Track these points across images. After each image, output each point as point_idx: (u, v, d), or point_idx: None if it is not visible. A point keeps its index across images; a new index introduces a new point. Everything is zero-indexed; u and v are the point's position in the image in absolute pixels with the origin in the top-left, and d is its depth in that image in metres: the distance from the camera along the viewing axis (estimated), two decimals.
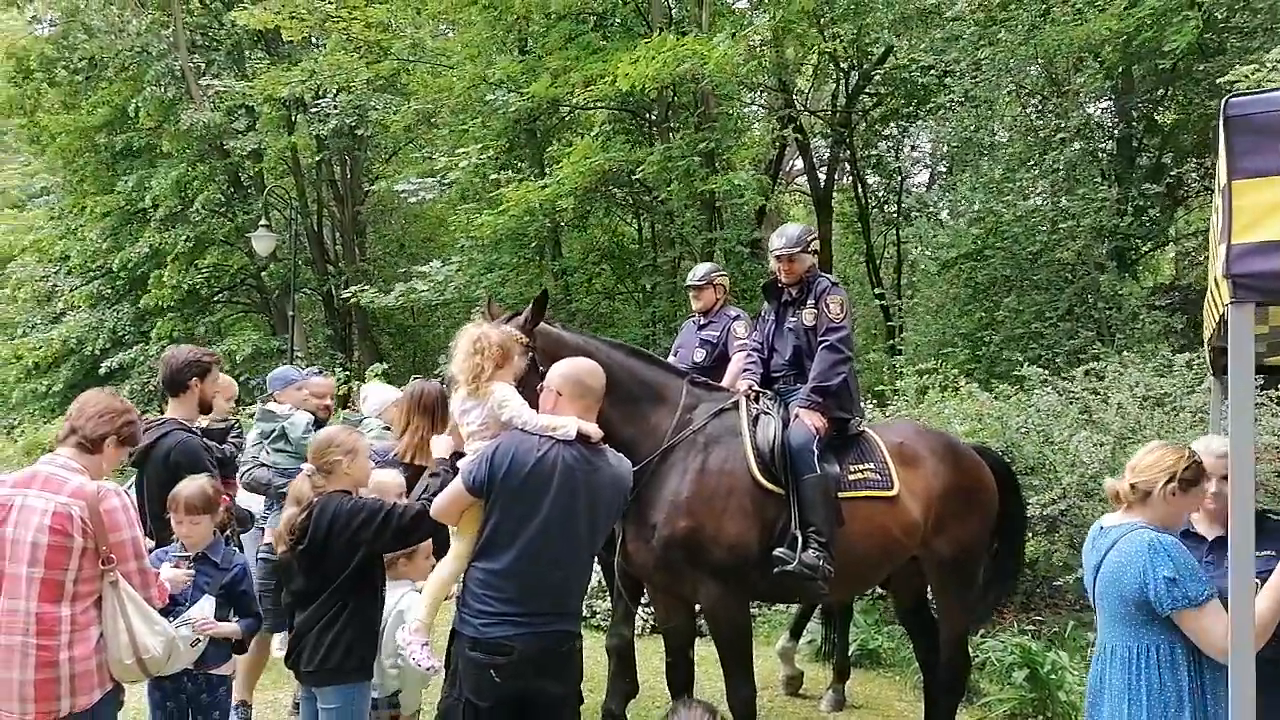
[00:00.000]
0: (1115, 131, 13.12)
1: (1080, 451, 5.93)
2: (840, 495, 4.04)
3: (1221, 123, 2.00)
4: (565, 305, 15.17)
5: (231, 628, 3.30)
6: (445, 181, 13.99)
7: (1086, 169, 12.59)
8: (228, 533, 3.52)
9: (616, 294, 17.32)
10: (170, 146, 18.35)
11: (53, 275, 21.73)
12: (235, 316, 21.94)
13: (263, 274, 20.06)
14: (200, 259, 18.90)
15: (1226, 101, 2.00)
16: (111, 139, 19.24)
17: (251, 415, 6.38)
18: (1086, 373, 7.15)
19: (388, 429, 4.84)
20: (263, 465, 4.85)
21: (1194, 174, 12.45)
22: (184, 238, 18.41)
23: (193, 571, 3.19)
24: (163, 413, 4.12)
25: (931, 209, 15.96)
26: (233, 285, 21.27)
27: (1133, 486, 2.81)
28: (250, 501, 4.98)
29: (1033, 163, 12.82)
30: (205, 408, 4.06)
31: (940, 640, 4.55)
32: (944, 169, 19.50)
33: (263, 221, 17.23)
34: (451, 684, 2.92)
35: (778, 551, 3.85)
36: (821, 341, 4.30)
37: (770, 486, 3.96)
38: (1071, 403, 6.60)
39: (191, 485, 3.31)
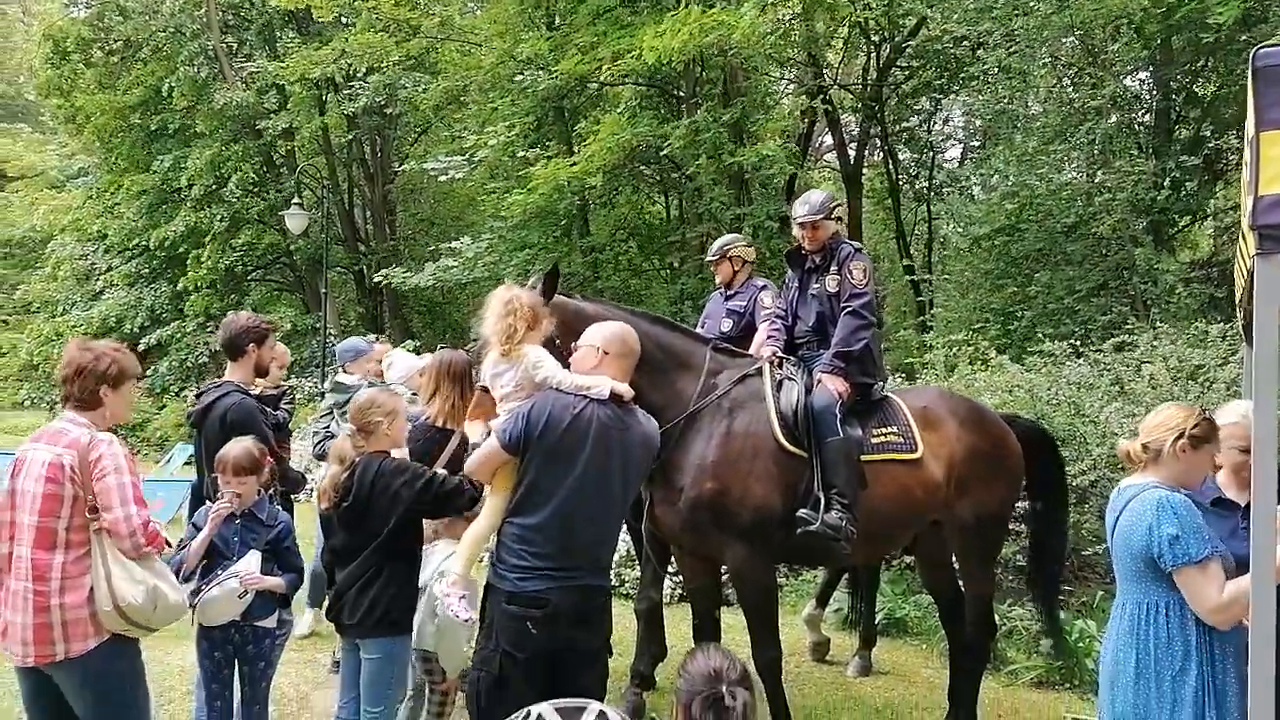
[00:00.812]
0: (1153, 103, 12.85)
1: (1111, 423, 5.91)
2: (863, 458, 4.10)
3: (1250, 74, 2.00)
4: (593, 283, 15.23)
5: (276, 581, 3.42)
6: (474, 160, 14.05)
7: (1123, 142, 12.38)
8: (271, 492, 3.63)
9: (644, 271, 17.35)
10: (204, 126, 18.60)
11: (91, 254, 22.15)
12: (270, 295, 22.28)
13: (294, 253, 20.33)
14: (235, 238, 19.17)
15: (1255, 53, 2.00)
16: (146, 119, 19.52)
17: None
18: (1119, 347, 7.10)
19: (414, 395, 4.94)
20: (333, 436, 4.96)
21: (1234, 146, 12.17)
22: (219, 217, 18.69)
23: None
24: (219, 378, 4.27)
25: (963, 184, 15.77)
26: (267, 264, 21.57)
27: (1144, 447, 2.84)
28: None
29: (1068, 135, 12.63)
30: (261, 372, 4.19)
31: (965, 606, 4.59)
32: (976, 143, 19.28)
33: (295, 200, 17.44)
34: (487, 636, 3.00)
35: (801, 512, 3.92)
36: (844, 307, 4.34)
37: (794, 450, 4.03)
38: (1103, 374, 6.56)
39: (238, 447, 3.43)
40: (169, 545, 3.13)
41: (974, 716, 4.45)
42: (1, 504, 2.91)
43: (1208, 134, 12.05)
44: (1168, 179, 11.31)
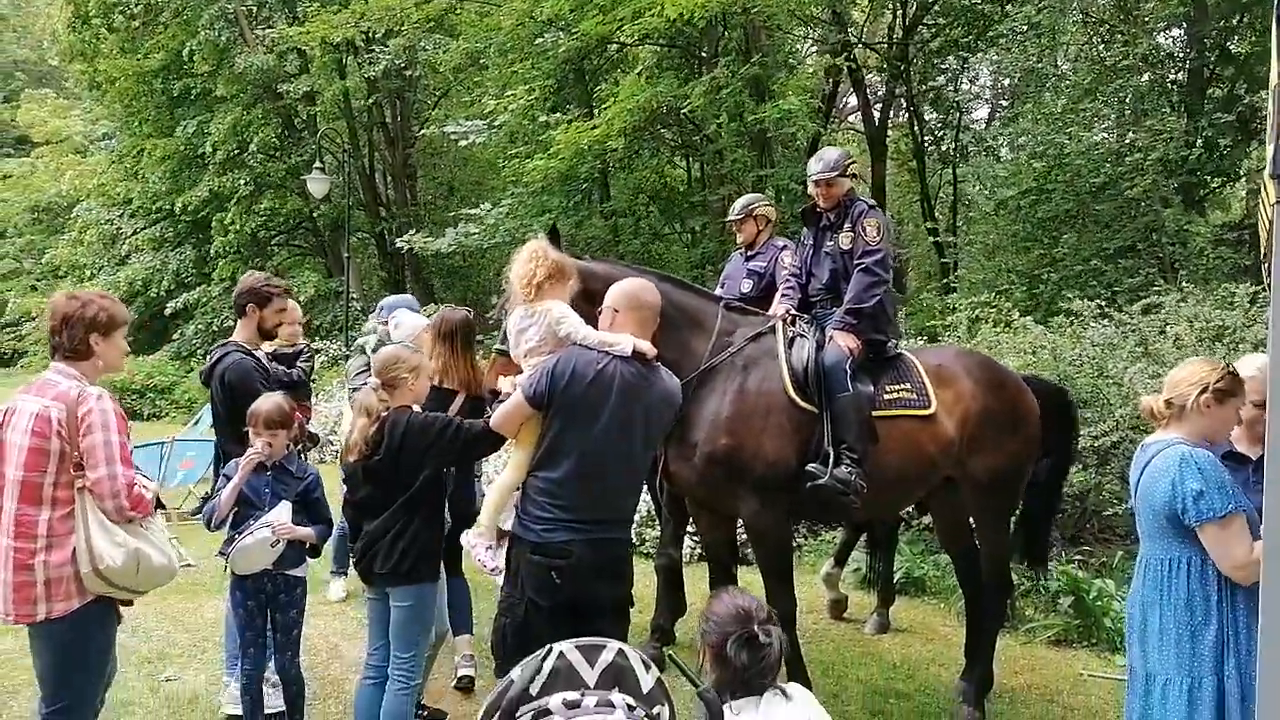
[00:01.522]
0: (1186, 61, 12.55)
1: (1135, 384, 5.87)
2: (875, 414, 4.13)
3: (1275, 21, 1.97)
4: (614, 247, 15.20)
5: (307, 531, 3.50)
6: (494, 124, 13.99)
7: (1155, 100, 12.13)
8: (299, 447, 3.70)
9: (665, 235, 17.28)
10: (225, 91, 18.62)
11: (116, 219, 22.38)
12: (293, 259, 22.43)
13: (317, 217, 20.42)
14: (258, 203, 19.28)
15: None
16: (168, 84, 19.59)
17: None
18: (1145, 309, 7.02)
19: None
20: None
21: (1269, 105, 11.89)
22: (243, 181, 18.78)
23: (155, 487, 3.12)
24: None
25: (990, 144, 15.52)
26: (290, 229, 21.69)
27: (1167, 403, 2.82)
28: None
29: (1098, 94, 12.39)
30: (266, 334, 4.21)
31: (981, 564, 4.61)
32: (1004, 103, 18.94)
33: (316, 165, 17.48)
34: (513, 584, 3.07)
35: (810, 467, 3.97)
36: (858, 264, 4.34)
37: (805, 405, 4.06)
38: (1128, 336, 6.50)
39: (269, 402, 3.50)
40: (162, 508, 3.08)
41: (990, 673, 4.48)
42: None
43: (1241, 92, 11.78)
44: (1200, 138, 11.08)
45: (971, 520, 4.67)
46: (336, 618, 5.48)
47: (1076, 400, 6.19)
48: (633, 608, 3.23)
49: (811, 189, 4.56)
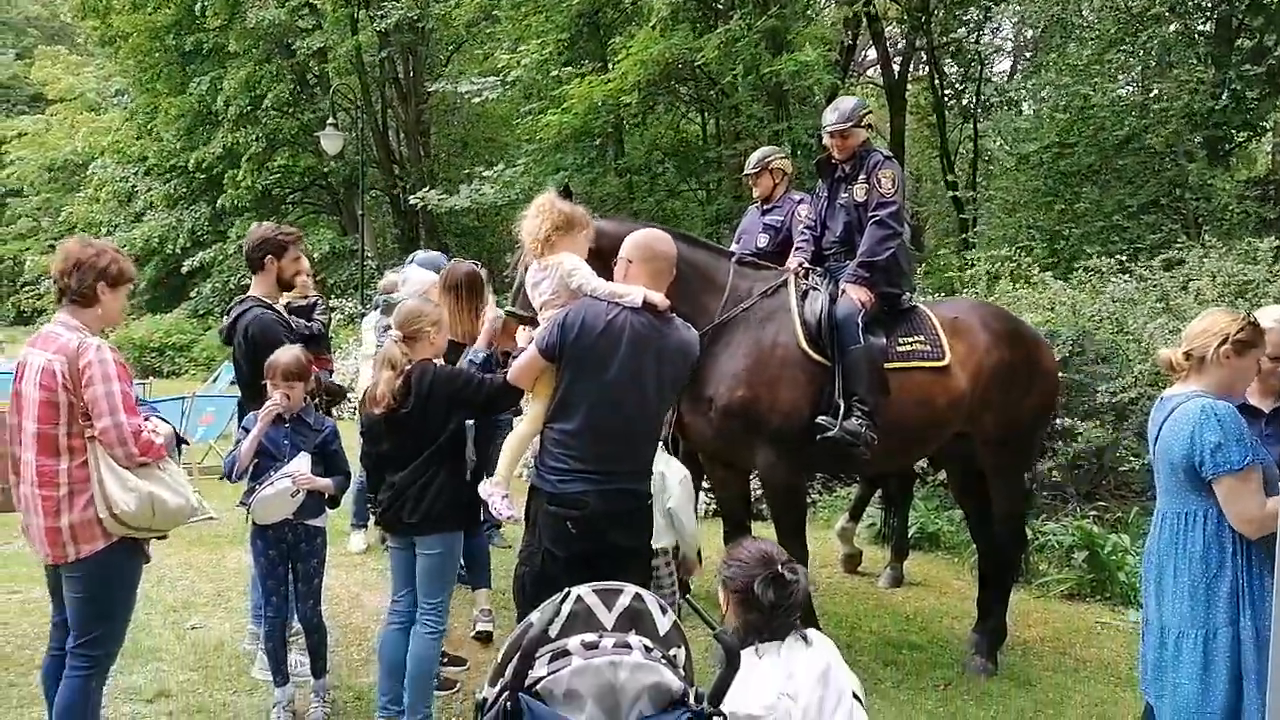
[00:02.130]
0: (1214, 10, 12.21)
1: (1155, 340, 5.82)
2: (888, 366, 4.12)
3: None
4: (629, 204, 15.08)
5: (326, 482, 3.54)
6: (508, 80, 13.82)
7: (1182, 51, 11.85)
8: (316, 400, 3.73)
9: (681, 192, 17.12)
10: (237, 46, 18.48)
11: (131, 176, 22.38)
12: (308, 217, 22.42)
13: (330, 175, 20.36)
14: (271, 160, 19.22)
15: None
16: (181, 39, 19.44)
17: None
18: (1167, 265, 6.93)
19: None
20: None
21: None
22: (255, 137, 18.70)
23: (171, 428, 3.16)
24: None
25: (1012, 96, 15.23)
26: (304, 186, 21.65)
27: (1186, 354, 2.79)
28: None
29: (1124, 44, 12.10)
30: (285, 285, 4.14)
31: (995, 519, 4.62)
32: (1027, 55, 18.56)
33: (330, 121, 17.38)
34: (531, 534, 3.10)
35: (820, 419, 3.98)
36: (872, 217, 4.30)
37: (818, 358, 4.07)
38: (1149, 291, 6.43)
39: (287, 354, 3.52)
40: (185, 444, 3.09)
41: (1003, 626, 4.52)
42: (10, 407, 2.94)
43: (1271, 43, 11.45)
44: (1227, 90, 10.82)
45: (986, 475, 4.67)
46: (357, 569, 5.57)
47: (1096, 356, 6.17)
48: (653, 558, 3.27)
49: (826, 140, 4.50)
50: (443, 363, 3.39)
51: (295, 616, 3.71)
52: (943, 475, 6.43)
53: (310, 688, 3.74)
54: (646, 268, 3.10)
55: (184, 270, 20.19)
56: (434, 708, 3.53)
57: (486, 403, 3.30)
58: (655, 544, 3.54)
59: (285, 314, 4.18)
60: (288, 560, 3.60)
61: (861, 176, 4.38)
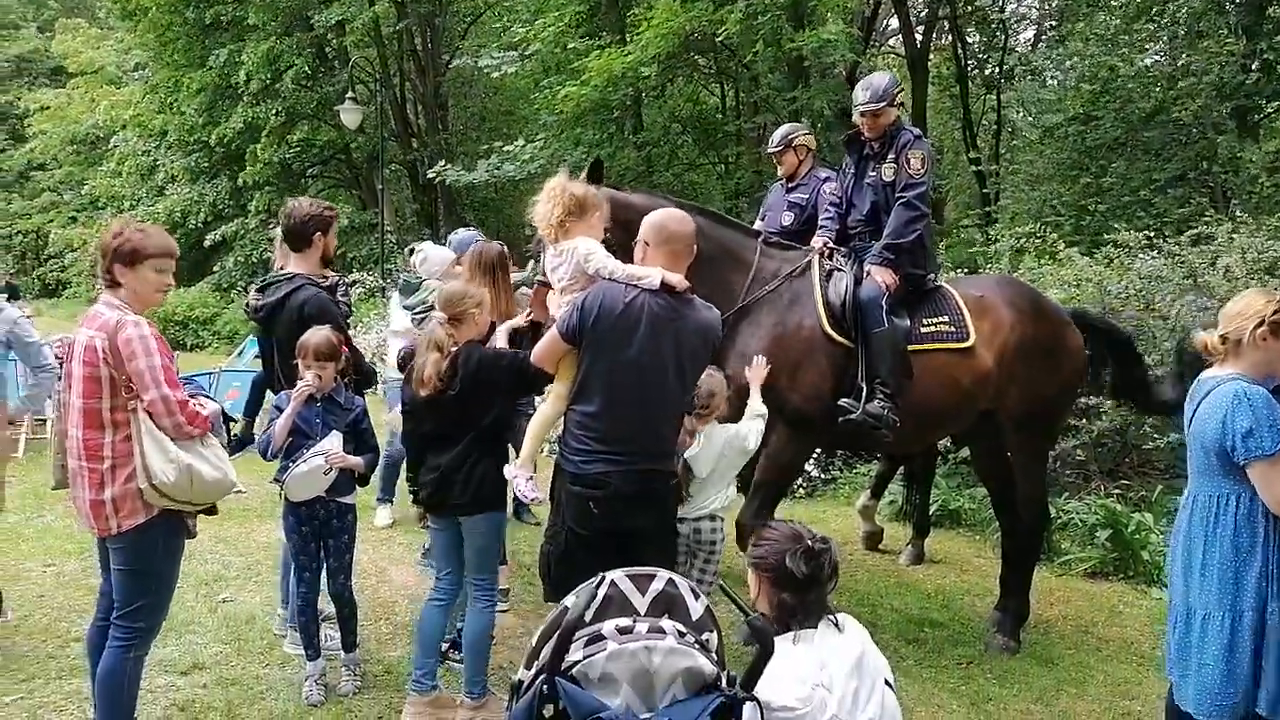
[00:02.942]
0: None
1: (1183, 316, 5.76)
2: (911, 348, 4.12)
3: None
4: (647, 177, 15.01)
5: (357, 460, 3.60)
6: (526, 54, 13.74)
7: (1211, 20, 11.61)
8: (346, 380, 3.76)
9: (699, 165, 17.02)
10: (256, 19, 18.44)
11: (153, 150, 22.47)
12: (328, 191, 22.45)
13: (351, 148, 20.35)
14: (291, 134, 19.23)
15: None
16: (200, 12, 19.41)
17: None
18: (1195, 240, 6.84)
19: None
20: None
21: None
22: (275, 112, 18.70)
23: (217, 405, 3.23)
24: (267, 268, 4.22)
25: (1036, 67, 14.97)
26: (324, 160, 21.66)
27: (1223, 338, 2.77)
28: None
29: (1152, 14, 11.86)
30: (327, 261, 4.05)
31: (1018, 498, 4.62)
32: (1051, 24, 18.22)
33: (349, 94, 17.35)
34: (555, 513, 3.15)
35: (842, 401, 4.01)
36: (899, 198, 4.28)
37: (841, 340, 4.08)
38: (1176, 267, 6.36)
39: (318, 334, 3.55)
40: (232, 421, 3.10)
41: (1026, 604, 4.53)
42: (64, 385, 3.02)
43: None
44: (1258, 61, 10.60)
45: (1009, 453, 4.66)
46: (384, 543, 5.65)
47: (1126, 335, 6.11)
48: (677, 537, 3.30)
49: (857, 118, 4.46)
50: (487, 344, 3.42)
51: (326, 591, 3.78)
52: (964, 453, 6.43)
53: (340, 661, 3.83)
54: (664, 249, 3.10)
55: (206, 244, 20.32)
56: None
57: (530, 383, 3.32)
58: (709, 507, 3.64)
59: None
60: (320, 536, 3.67)
61: (891, 155, 4.35)
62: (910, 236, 4.25)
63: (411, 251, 5.56)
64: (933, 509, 6.02)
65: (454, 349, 3.31)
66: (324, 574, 3.74)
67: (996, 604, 4.65)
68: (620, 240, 3.35)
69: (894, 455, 5.74)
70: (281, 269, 4.03)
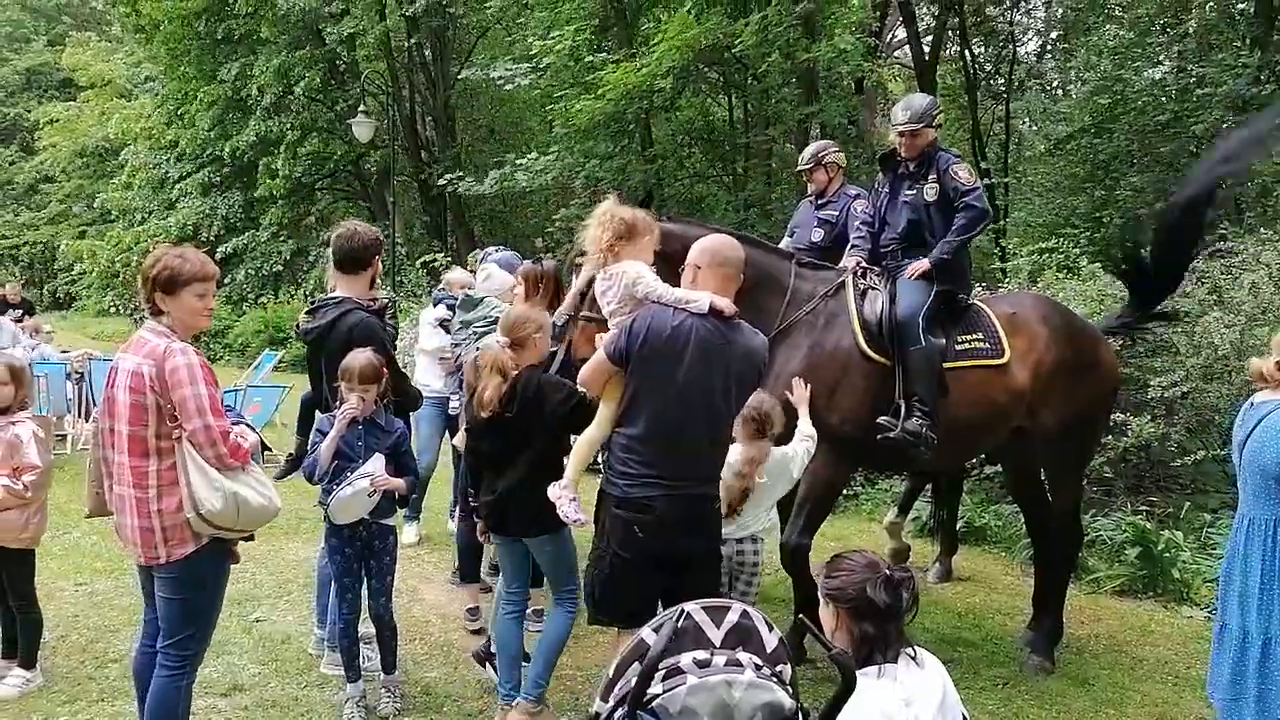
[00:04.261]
0: None
1: (1210, 332, 5.77)
2: (947, 365, 4.14)
3: None
4: (657, 190, 15.03)
5: (399, 482, 3.62)
6: (539, 67, 13.79)
7: (1223, 33, 11.64)
8: (386, 402, 3.78)
9: (709, 176, 17.05)
10: (268, 33, 18.54)
11: (164, 162, 22.56)
12: (339, 204, 22.51)
13: (361, 161, 20.42)
14: (302, 147, 19.32)
15: None
16: (212, 26, 19.52)
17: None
18: (1213, 254, 6.84)
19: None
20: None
21: None
22: (289, 125, 18.80)
23: (257, 436, 3.26)
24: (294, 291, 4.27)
25: (1046, 79, 15.01)
26: (334, 173, 21.75)
27: (1278, 364, 2.79)
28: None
29: (1163, 25, 11.90)
30: (371, 285, 4.08)
31: (1052, 515, 4.62)
32: (1058, 35, 18.26)
33: (360, 109, 17.43)
34: (600, 536, 3.15)
35: (881, 419, 4.03)
36: (960, 204, 4.33)
37: (878, 358, 4.10)
38: (1201, 282, 6.36)
39: (361, 357, 3.57)
40: (268, 449, 3.11)
41: (1060, 624, 4.53)
42: (103, 411, 3.03)
43: None
44: (1270, 72, 10.63)
45: (1042, 471, 4.66)
46: (413, 561, 5.65)
47: (1146, 350, 6.12)
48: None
49: (894, 138, 4.48)
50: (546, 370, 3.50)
51: (366, 612, 3.79)
52: (989, 469, 6.44)
53: (379, 682, 3.84)
54: (716, 273, 3.12)
55: (218, 257, 20.37)
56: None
57: (584, 416, 3.31)
58: (751, 528, 3.64)
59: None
60: (363, 558, 3.68)
61: (932, 176, 4.38)
62: (974, 233, 4.38)
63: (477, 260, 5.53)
64: (958, 526, 6.02)
65: (515, 372, 3.36)
66: (365, 595, 3.75)
67: (1029, 623, 4.65)
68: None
69: (928, 473, 5.75)
70: (332, 290, 4.06)
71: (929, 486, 6.08)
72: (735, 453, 3.48)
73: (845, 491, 7.35)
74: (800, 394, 3.91)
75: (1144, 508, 5.94)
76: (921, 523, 6.42)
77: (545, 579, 3.77)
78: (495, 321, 4.73)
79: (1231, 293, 6.11)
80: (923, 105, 4.43)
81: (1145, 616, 5.10)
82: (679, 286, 3.21)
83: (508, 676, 3.64)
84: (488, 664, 4.02)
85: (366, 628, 3.88)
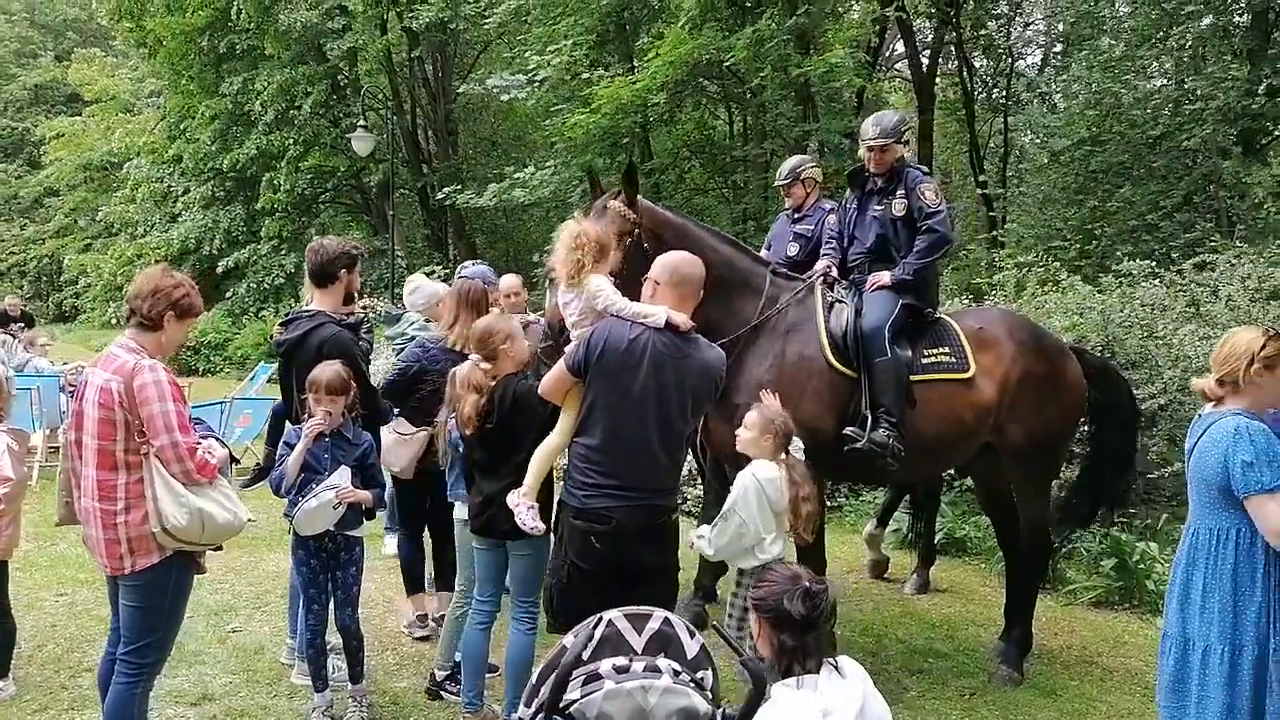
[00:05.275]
0: (1250, 3, 12.02)
1: (1185, 345, 5.79)
2: (913, 378, 4.18)
3: None
4: (655, 202, 15.12)
5: (365, 495, 3.66)
6: (537, 80, 13.92)
7: (1216, 46, 11.69)
8: (355, 415, 3.83)
9: (707, 189, 17.14)
10: (271, 49, 18.74)
11: (167, 177, 22.78)
12: (339, 217, 22.69)
13: (362, 175, 20.59)
14: (304, 161, 19.50)
15: None
16: (215, 41, 19.75)
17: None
18: (1199, 266, 6.88)
19: (428, 322, 5.10)
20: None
21: None
22: (291, 140, 18.97)
23: (226, 450, 3.31)
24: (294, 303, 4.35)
25: (1043, 91, 15.07)
26: (336, 187, 21.92)
27: (1219, 381, 2.82)
28: None
29: (1157, 39, 11.94)
30: (349, 299, 4.16)
31: (1020, 527, 4.64)
32: (1057, 50, 18.34)
33: (360, 124, 17.58)
34: (559, 546, 3.20)
35: (848, 430, 4.06)
36: (923, 225, 4.38)
37: (844, 370, 4.14)
38: (1179, 295, 6.39)
39: (329, 369, 3.63)
40: (236, 462, 3.18)
41: (1029, 634, 4.54)
42: (72, 423, 3.10)
43: None
44: (1263, 85, 10.66)
45: (1013, 485, 4.68)
46: (391, 572, 5.67)
47: (1125, 362, 6.14)
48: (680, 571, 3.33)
49: (863, 152, 4.54)
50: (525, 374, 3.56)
51: (333, 623, 3.82)
52: (969, 480, 6.45)
53: (348, 693, 3.86)
54: (673, 291, 3.18)
55: (219, 270, 20.55)
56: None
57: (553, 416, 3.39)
58: (743, 564, 3.47)
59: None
60: (328, 569, 3.72)
61: (900, 191, 4.43)
62: (935, 257, 4.41)
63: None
64: (937, 537, 6.03)
65: (492, 383, 3.44)
66: (332, 606, 3.79)
67: (1001, 634, 4.66)
68: (655, 251, 3.49)
69: (904, 485, 5.77)
70: (308, 303, 4.12)
71: (907, 498, 6.10)
72: (767, 472, 3.41)
73: (828, 503, 7.38)
74: (769, 404, 3.92)
75: (1123, 519, 5.95)
76: (902, 534, 6.43)
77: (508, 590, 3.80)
78: (413, 339, 4.84)
79: (1208, 306, 6.13)
80: (892, 121, 4.48)
81: (1119, 628, 5.10)
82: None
83: (471, 685, 3.68)
84: (443, 693, 4.04)
85: (337, 638, 3.93)
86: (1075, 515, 4.94)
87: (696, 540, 3.56)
